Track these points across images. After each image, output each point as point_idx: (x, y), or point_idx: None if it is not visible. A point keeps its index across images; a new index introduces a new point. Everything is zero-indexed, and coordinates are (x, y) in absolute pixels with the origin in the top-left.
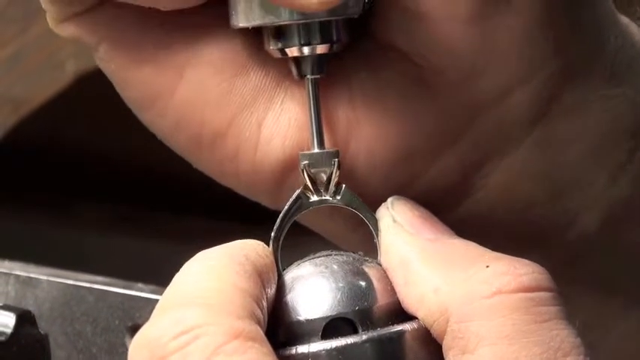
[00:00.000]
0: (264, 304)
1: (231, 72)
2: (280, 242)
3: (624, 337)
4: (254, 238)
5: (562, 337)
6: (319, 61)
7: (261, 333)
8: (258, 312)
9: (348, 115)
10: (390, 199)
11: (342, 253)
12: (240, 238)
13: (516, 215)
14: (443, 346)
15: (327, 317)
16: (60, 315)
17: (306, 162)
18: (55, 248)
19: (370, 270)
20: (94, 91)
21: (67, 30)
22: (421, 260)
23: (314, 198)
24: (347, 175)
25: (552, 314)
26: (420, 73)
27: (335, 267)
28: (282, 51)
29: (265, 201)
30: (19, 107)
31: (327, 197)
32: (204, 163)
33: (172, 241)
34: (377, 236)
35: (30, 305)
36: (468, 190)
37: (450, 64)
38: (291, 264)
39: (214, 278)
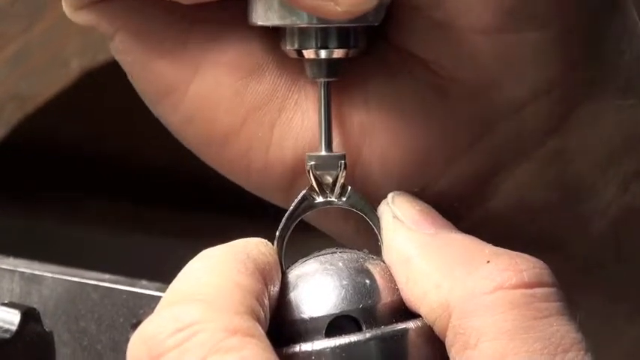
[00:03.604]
0: (266, 301)
1: (246, 71)
2: (285, 241)
3: (636, 342)
4: (261, 236)
5: (563, 332)
6: (335, 64)
7: (259, 329)
8: (259, 309)
9: (362, 120)
10: (390, 195)
11: (346, 250)
12: (247, 236)
13: (528, 223)
14: (445, 343)
15: (331, 315)
16: (65, 312)
17: (313, 163)
18: (59, 245)
19: (374, 268)
20: (98, 88)
21: (84, 17)
22: (422, 257)
23: (319, 199)
24: (360, 180)
25: (553, 310)
26: (437, 81)
27: (339, 265)
28: (299, 52)
29: (276, 200)
30: (24, 104)
31: (333, 199)
32: (215, 159)
33: (177, 238)
34: (380, 236)
35: (35, 302)
36: (481, 199)
37: (469, 74)
38: (296, 262)
39: (215, 275)
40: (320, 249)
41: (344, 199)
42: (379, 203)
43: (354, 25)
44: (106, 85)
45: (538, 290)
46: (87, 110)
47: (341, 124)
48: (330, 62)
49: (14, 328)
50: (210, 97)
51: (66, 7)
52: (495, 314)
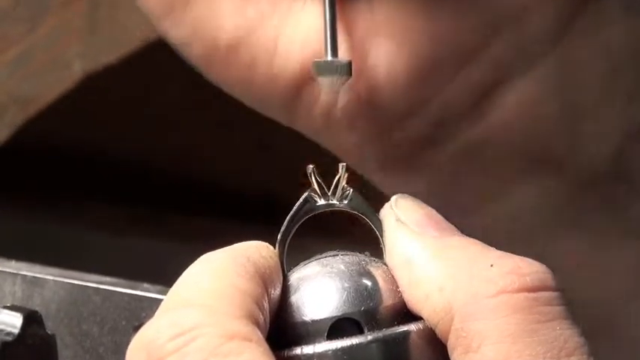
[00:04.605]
0: (266, 305)
1: None
2: (287, 244)
3: (631, 261)
4: (263, 239)
5: (566, 336)
6: None
7: (258, 333)
8: (258, 313)
9: (367, 25)
10: (393, 198)
11: (348, 253)
12: (249, 239)
13: (533, 137)
14: (447, 346)
15: (332, 317)
16: (67, 315)
17: (313, 166)
18: (61, 248)
19: (376, 270)
20: (101, 90)
21: None
22: (425, 259)
23: (321, 202)
24: (365, 89)
25: (556, 314)
26: None
27: (341, 267)
28: None
29: (279, 114)
30: (26, 107)
31: (335, 201)
32: (219, 73)
33: (179, 241)
34: (382, 238)
35: (37, 305)
36: (483, 111)
37: None
38: (298, 264)
39: (214, 280)
40: (321, 252)
41: (346, 201)
42: (386, 113)
43: None
44: (109, 87)
45: (541, 294)
46: (89, 113)
47: (346, 30)
48: None
49: (16, 331)
50: (214, 6)
51: None
52: (498, 318)
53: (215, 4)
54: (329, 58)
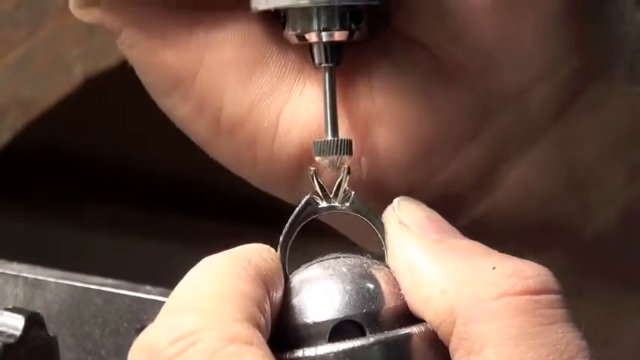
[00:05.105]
0: (267, 307)
1: (251, 59)
2: (288, 246)
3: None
4: (266, 241)
5: (568, 339)
6: (337, 49)
7: (259, 336)
8: (259, 315)
9: (367, 107)
10: (396, 200)
11: (350, 255)
12: (251, 241)
13: (535, 212)
14: (449, 348)
15: (334, 320)
16: (69, 317)
17: (315, 168)
18: (63, 250)
19: (378, 273)
20: (101, 93)
21: (91, 15)
22: (428, 262)
23: (323, 204)
24: (366, 170)
25: (558, 317)
26: (440, 67)
27: (343, 270)
28: (301, 37)
29: (282, 193)
30: (27, 109)
31: (336, 204)
32: (222, 151)
33: (181, 243)
34: (384, 241)
35: (39, 307)
36: (488, 188)
37: (471, 58)
38: (300, 267)
39: (215, 283)
40: (323, 254)
41: (347, 204)
42: (386, 193)
43: (355, 3)
44: (109, 90)
45: (543, 297)
46: (90, 115)
47: (346, 112)
48: (333, 46)
49: (18, 333)
50: (216, 85)
51: (72, 5)
52: (500, 320)
53: (220, 81)
54: (329, 137)
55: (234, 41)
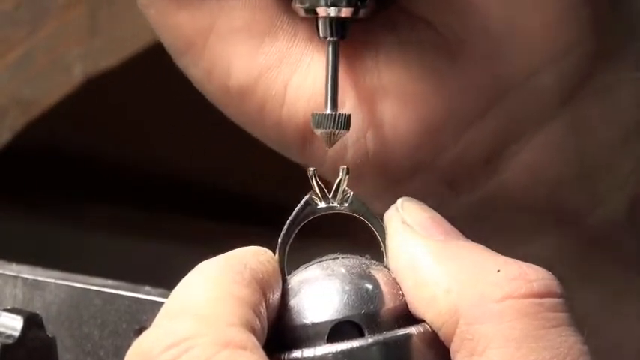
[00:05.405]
0: (263, 310)
1: (260, 29)
2: (287, 247)
3: None
4: (266, 241)
5: (571, 342)
6: (342, 24)
7: (253, 340)
8: (254, 319)
9: (374, 82)
10: (399, 201)
11: (349, 256)
12: (252, 241)
13: (543, 196)
14: (451, 348)
15: (333, 320)
16: (68, 318)
17: (314, 169)
18: (62, 251)
19: (377, 273)
20: (101, 93)
21: None
22: (431, 262)
23: (322, 204)
24: (372, 147)
25: (561, 320)
26: (446, 46)
27: (342, 270)
28: (308, 10)
29: (292, 156)
30: (27, 109)
31: (335, 204)
32: (233, 114)
33: (181, 244)
34: (383, 242)
35: (38, 308)
36: (495, 169)
37: (478, 39)
38: (298, 267)
39: (210, 288)
40: (322, 255)
41: (346, 204)
42: (392, 171)
43: None
44: (109, 90)
45: (547, 300)
46: (90, 115)
47: (352, 87)
48: (338, 21)
49: (17, 333)
50: (225, 52)
51: None
52: (503, 322)
53: (229, 49)
54: (328, 111)
55: (245, 8)
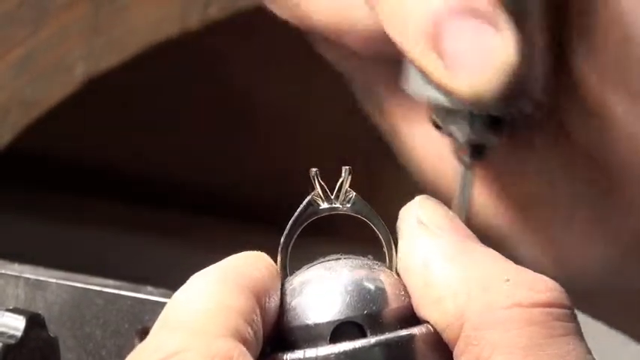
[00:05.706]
0: (257, 317)
1: None
2: (289, 247)
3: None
4: (267, 241)
5: (578, 352)
6: (477, 148)
7: (241, 350)
8: (245, 328)
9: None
10: (417, 198)
11: (351, 257)
12: (252, 241)
13: None
14: (454, 351)
15: (335, 321)
16: (70, 318)
17: (316, 170)
18: (65, 251)
19: (380, 274)
20: (103, 93)
21: None
22: (443, 262)
23: (324, 205)
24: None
25: (569, 329)
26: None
27: (344, 271)
28: (439, 128)
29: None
30: (29, 109)
31: (338, 205)
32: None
33: (183, 244)
34: (385, 242)
35: (40, 308)
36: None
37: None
38: (300, 268)
39: (202, 299)
40: (325, 255)
41: (349, 205)
42: None
43: (497, 114)
44: (111, 90)
45: (555, 310)
46: (92, 115)
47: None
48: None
49: (19, 333)
50: None
51: None
52: (511, 329)
53: None
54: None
55: None
